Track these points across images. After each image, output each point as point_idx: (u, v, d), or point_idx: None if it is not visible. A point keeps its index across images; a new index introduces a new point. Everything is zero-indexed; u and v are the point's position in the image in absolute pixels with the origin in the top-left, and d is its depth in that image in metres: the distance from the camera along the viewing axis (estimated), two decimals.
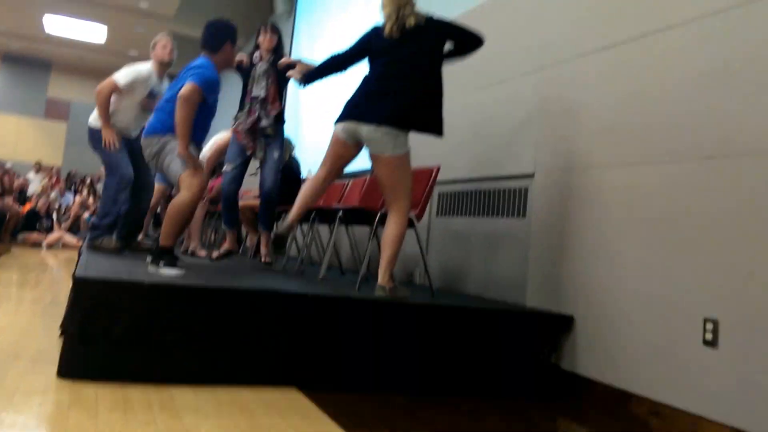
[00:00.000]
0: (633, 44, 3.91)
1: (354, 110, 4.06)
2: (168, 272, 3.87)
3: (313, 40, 10.37)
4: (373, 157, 4.05)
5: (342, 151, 4.17)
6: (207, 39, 4.50)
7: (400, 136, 3.97)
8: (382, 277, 3.97)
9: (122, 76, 5.38)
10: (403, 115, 3.96)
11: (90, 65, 18.26)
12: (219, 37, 4.51)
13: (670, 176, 3.53)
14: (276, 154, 5.25)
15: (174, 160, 4.22)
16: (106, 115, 5.33)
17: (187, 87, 4.13)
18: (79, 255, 5.03)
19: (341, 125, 4.09)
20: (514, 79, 4.95)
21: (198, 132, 4.36)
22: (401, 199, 4.06)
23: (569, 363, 4.04)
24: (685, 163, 3.44)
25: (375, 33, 4.20)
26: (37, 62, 18.92)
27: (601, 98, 4.10)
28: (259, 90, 5.22)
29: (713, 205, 3.26)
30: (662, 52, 3.69)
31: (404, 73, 4.03)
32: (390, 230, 4.03)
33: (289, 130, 5.90)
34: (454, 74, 5.53)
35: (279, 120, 5.29)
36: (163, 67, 5.58)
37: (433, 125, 4.04)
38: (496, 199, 4.99)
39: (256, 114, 5.19)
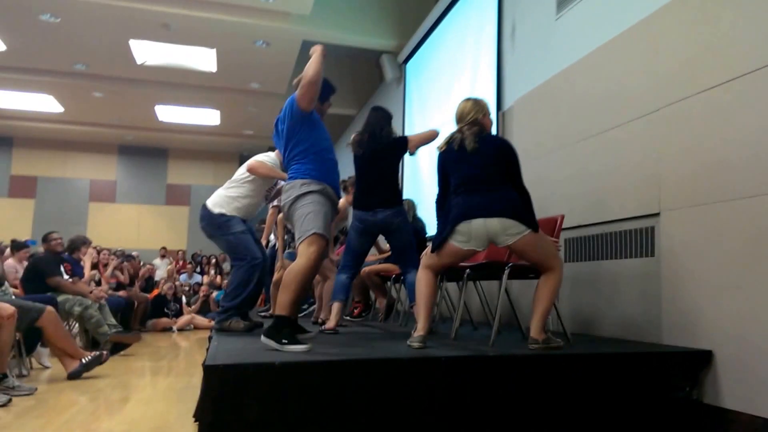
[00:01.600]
0: (749, 77, 3.89)
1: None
2: (294, 348, 3.67)
3: (424, 105, 10.40)
4: (510, 246, 4.14)
5: (461, 255, 4.25)
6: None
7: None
8: (536, 331, 4.05)
9: (269, 159, 5.64)
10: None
11: (206, 148, 18.76)
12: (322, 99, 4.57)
13: None
14: None
15: (304, 217, 4.06)
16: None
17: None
18: (210, 339, 5.03)
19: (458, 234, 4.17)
20: (630, 122, 5.00)
21: (329, 173, 4.30)
22: (554, 263, 4.17)
23: (712, 397, 3.98)
24: None
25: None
26: (153, 151, 19.56)
27: (719, 133, 4.10)
28: None
29: None
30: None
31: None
32: (546, 285, 4.13)
33: (409, 192, 5.92)
34: (570, 124, 5.79)
35: None
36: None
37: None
38: (624, 241, 5.01)
39: None
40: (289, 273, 3.93)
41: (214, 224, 5.46)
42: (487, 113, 4.39)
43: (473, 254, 4.25)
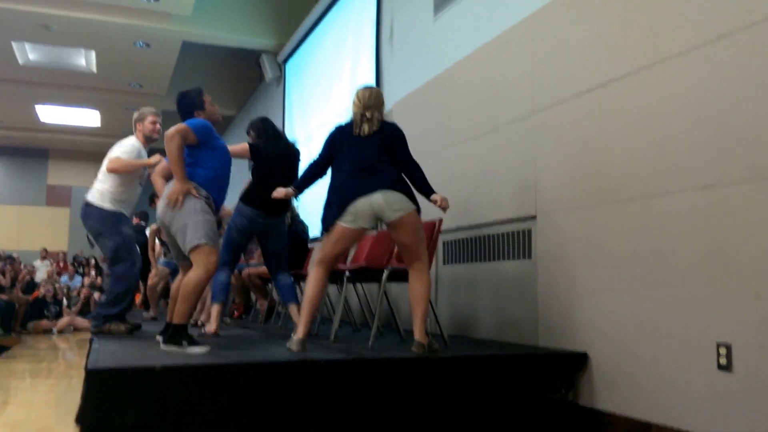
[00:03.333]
0: (625, 80, 3.93)
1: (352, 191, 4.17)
2: (196, 350, 3.84)
3: (304, 105, 10.47)
4: (394, 222, 4.15)
5: (349, 236, 4.24)
6: (180, 111, 4.48)
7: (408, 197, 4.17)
8: (420, 334, 4.06)
9: (126, 153, 5.31)
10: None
11: (87, 149, 18.39)
12: (185, 107, 4.47)
13: (668, 208, 3.54)
14: None
15: (187, 226, 4.07)
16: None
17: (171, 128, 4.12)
18: (91, 341, 4.94)
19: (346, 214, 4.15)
20: (508, 124, 4.99)
21: (213, 188, 4.31)
22: (423, 255, 4.22)
23: (587, 399, 4.02)
24: (684, 193, 3.45)
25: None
26: (34, 151, 19.07)
27: (596, 136, 4.12)
28: None
29: (713, 232, 3.28)
30: (655, 85, 3.71)
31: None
32: (420, 285, 4.17)
33: None
34: (449, 126, 5.81)
35: None
36: (149, 143, 5.52)
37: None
38: (501, 243, 5.02)
39: None
40: (188, 283, 4.00)
41: (104, 221, 5.24)
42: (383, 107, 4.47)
43: (363, 233, 4.32)
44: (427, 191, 4.26)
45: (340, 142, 4.32)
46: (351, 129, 4.32)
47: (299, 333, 4.11)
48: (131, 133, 5.50)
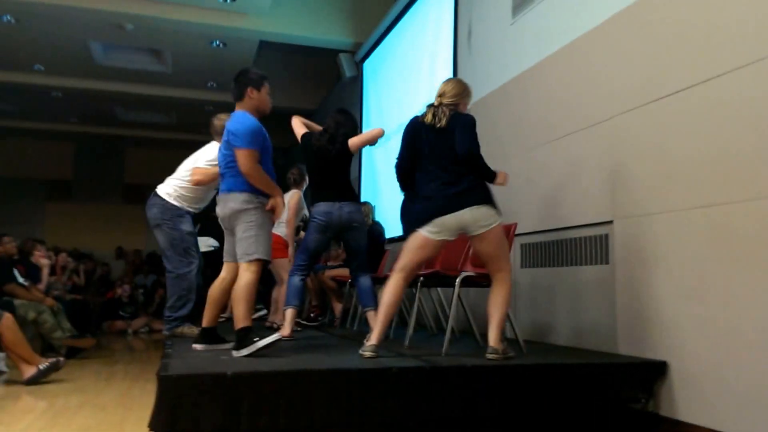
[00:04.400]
0: (708, 84, 3.85)
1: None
2: (268, 339, 4.04)
3: (381, 104, 10.48)
4: (478, 236, 4.18)
5: (432, 247, 4.26)
6: (236, 84, 4.52)
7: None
8: (495, 340, 4.10)
9: (211, 163, 5.46)
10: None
11: (163, 147, 18.52)
12: (243, 83, 4.48)
13: (752, 213, 3.48)
14: None
15: (252, 237, 4.23)
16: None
17: (240, 159, 4.20)
18: (165, 345, 5.02)
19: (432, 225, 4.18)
20: (587, 128, 4.99)
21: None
22: (506, 264, 4.26)
23: (668, 409, 3.98)
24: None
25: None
26: (110, 150, 19.27)
27: (676, 142, 4.08)
28: None
29: None
30: (743, 90, 3.60)
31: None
32: (500, 292, 4.20)
33: (366, 194, 5.93)
34: (527, 128, 5.84)
35: None
36: None
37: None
38: (579, 247, 5.04)
39: None
40: (240, 288, 4.17)
41: (165, 213, 5.42)
42: (466, 100, 4.46)
43: (444, 244, 4.29)
44: (489, 178, 4.26)
45: (422, 134, 4.31)
46: (425, 121, 4.31)
47: (373, 339, 4.14)
48: (206, 133, 5.73)
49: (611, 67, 4.76)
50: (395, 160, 4.48)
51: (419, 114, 4.38)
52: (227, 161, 4.35)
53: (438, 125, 4.21)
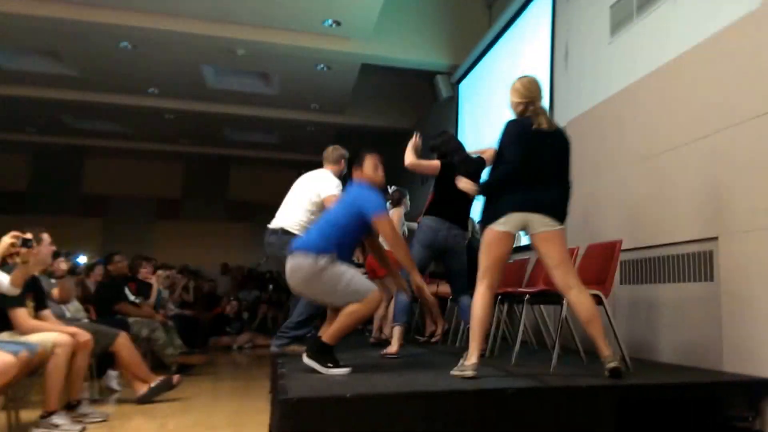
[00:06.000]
0: None
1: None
2: (337, 371, 4.07)
3: (477, 125, 10.53)
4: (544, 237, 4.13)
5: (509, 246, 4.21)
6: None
7: None
8: (608, 349, 4.01)
9: (337, 188, 5.62)
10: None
11: (266, 165, 18.99)
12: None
13: None
14: None
15: (343, 283, 4.25)
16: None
17: (383, 228, 4.42)
18: (272, 364, 5.05)
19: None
20: (687, 144, 4.98)
21: (346, 250, 4.48)
22: (574, 271, 4.22)
23: None
24: None
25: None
26: (216, 168, 19.83)
27: None
28: None
29: None
30: None
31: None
32: (587, 302, 4.09)
33: None
34: (625, 145, 5.82)
35: None
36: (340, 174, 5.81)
37: None
38: (681, 264, 4.98)
39: None
40: (352, 313, 4.20)
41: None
42: None
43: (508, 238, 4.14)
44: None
45: (532, 140, 4.14)
46: (526, 124, 4.16)
47: (472, 357, 4.01)
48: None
49: (715, 83, 4.74)
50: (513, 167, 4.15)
51: (516, 119, 4.26)
52: None
53: (548, 128, 4.17)
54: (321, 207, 5.62)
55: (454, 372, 3.99)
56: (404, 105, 14.09)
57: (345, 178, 5.63)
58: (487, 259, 4.12)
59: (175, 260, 14.02)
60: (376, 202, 4.44)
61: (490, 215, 4.14)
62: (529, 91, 4.22)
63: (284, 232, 5.58)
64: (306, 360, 4.15)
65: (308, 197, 5.75)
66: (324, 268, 4.21)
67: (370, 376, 4.05)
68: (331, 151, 5.96)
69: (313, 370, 4.11)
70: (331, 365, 4.10)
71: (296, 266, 4.31)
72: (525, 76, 4.34)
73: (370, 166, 4.73)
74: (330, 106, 13.72)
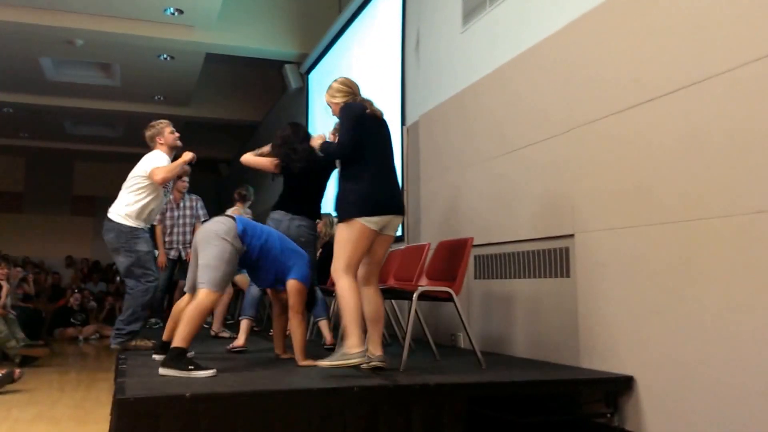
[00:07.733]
0: (666, 99, 3.76)
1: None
2: (202, 374, 3.76)
3: (326, 115, 10.40)
4: (387, 239, 4.20)
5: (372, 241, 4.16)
6: None
7: None
8: (379, 348, 4.02)
9: (161, 163, 5.38)
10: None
11: (110, 159, 18.60)
12: None
13: (721, 229, 3.39)
14: None
15: (210, 266, 4.13)
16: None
17: None
18: (118, 359, 4.86)
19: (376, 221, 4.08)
20: (542, 141, 4.87)
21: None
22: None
23: (634, 423, 3.87)
24: (733, 217, 3.32)
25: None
26: (59, 163, 19.39)
27: (638, 156, 3.96)
28: None
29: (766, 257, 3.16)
30: (699, 104, 3.55)
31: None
32: (381, 303, 4.21)
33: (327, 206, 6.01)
34: (478, 141, 5.70)
35: None
36: (172, 152, 5.61)
37: None
38: (537, 260, 4.92)
39: None
40: (195, 308, 4.01)
41: (120, 237, 5.33)
42: None
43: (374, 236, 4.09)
44: None
45: (371, 128, 4.21)
46: (361, 107, 4.23)
47: (374, 350, 3.99)
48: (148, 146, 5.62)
49: (569, 77, 4.60)
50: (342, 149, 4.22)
51: (356, 103, 4.28)
52: None
53: (381, 117, 4.29)
54: (144, 187, 5.45)
55: (336, 361, 3.88)
56: (253, 96, 14.04)
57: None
58: (356, 254, 4.02)
59: (18, 253, 13.65)
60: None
61: (359, 208, 4.04)
62: (352, 87, 4.34)
63: (108, 220, 5.44)
64: (163, 371, 3.79)
65: (130, 183, 5.52)
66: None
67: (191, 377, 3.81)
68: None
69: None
70: (192, 368, 3.78)
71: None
72: (341, 77, 4.46)
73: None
74: (175, 98, 13.51)
